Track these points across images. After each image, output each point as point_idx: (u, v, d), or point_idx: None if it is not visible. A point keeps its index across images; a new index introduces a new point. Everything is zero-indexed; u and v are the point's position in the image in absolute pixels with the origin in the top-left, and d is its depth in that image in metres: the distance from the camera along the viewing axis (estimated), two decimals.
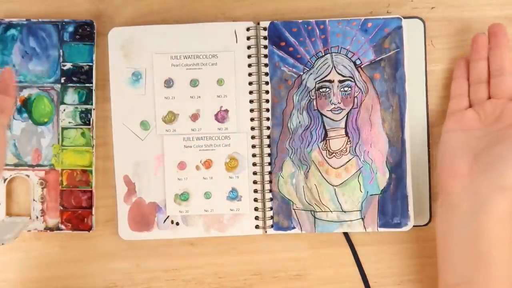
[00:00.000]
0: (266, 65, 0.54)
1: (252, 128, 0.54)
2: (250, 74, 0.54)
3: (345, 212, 0.53)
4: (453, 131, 0.50)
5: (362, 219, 0.53)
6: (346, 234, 0.55)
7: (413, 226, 0.53)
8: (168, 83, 0.54)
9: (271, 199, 0.54)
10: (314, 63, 0.54)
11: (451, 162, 0.48)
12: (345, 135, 0.53)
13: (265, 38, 0.53)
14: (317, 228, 0.53)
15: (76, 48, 0.55)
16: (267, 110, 0.54)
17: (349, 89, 0.53)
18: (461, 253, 0.46)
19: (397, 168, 0.53)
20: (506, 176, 0.45)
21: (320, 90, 0.54)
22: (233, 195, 0.54)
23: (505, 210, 0.45)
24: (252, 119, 0.54)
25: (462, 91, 0.52)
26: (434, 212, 0.54)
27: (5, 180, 0.54)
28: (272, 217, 0.54)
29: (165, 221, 0.54)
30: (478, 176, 0.46)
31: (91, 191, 0.54)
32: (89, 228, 0.54)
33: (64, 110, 0.54)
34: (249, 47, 0.54)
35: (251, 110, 0.54)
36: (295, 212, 0.54)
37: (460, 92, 0.52)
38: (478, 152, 0.47)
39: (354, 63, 0.53)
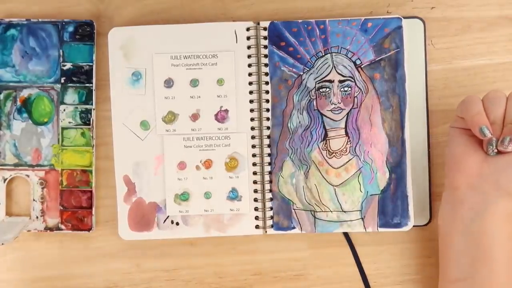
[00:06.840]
0: (266, 65, 0.54)
1: (252, 128, 0.54)
2: (250, 74, 0.54)
3: (345, 212, 0.53)
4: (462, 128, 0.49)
5: (362, 219, 0.53)
6: (346, 234, 0.55)
7: (413, 226, 0.53)
8: (168, 83, 0.54)
9: (271, 199, 0.54)
10: (314, 63, 0.53)
11: (461, 158, 0.48)
12: (345, 135, 0.53)
13: (265, 38, 0.53)
14: (317, 228, 0.53)
15: (76, 48, 0.55)
16: (267, 110, 0.54)
17: (349, 89, 0.53)
18: (464, 249, 0.46)
19: (397, 168, 0.53)
20: None
21: (320, 90, 0.53)
22: (233, 195, 0.54)
23: (509, 212, 0.46)
24: (252, 119, 0.54)
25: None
26: (434, 212, 0.54)
27: (5, 180, 0.54)
28: (272, 217, 0.54)
29: (165, 221, 0.54)
30: (488, 178, 0.46)
31: (91, 191, 0.54)
32: (89, 228, 0.54)
33: (64, 110, 0.54)
34: (249, 47, 0.54)
35: (251, 110, 0.54)
36: (295, 212, 0.53)
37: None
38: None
39: (354, 63, 0.53)
